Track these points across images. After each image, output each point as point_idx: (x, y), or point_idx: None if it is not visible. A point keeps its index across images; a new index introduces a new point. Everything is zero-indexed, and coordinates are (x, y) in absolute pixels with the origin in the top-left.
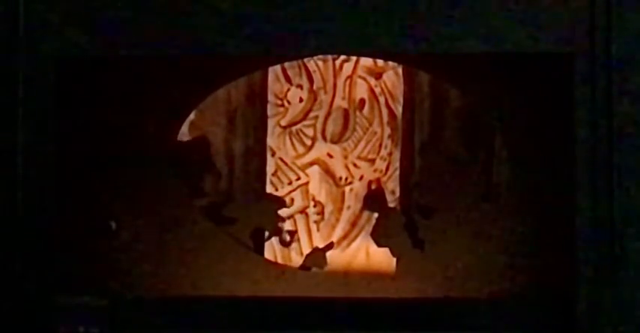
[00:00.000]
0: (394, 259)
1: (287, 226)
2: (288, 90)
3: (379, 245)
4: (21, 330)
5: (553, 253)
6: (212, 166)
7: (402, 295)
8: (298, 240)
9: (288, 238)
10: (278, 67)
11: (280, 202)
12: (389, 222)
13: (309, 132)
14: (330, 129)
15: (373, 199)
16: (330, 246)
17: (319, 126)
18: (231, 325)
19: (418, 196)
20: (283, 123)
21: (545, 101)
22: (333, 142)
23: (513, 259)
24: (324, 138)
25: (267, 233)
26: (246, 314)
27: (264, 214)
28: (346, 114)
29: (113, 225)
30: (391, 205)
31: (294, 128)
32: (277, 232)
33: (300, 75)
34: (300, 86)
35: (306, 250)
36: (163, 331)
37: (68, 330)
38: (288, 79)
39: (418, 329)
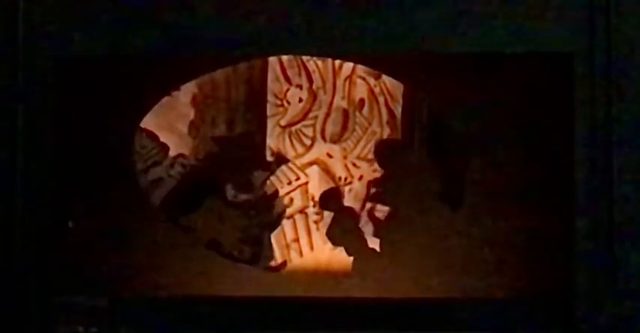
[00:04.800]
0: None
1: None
2: (288, 90)
3: (334, 244)
4: (20, 330)
5: (551, 253)
6: None
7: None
8: (297, 240)
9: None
10: (278, 67)
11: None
12: (345, 221)
13: (309, 132)
14: (329, 129)
15: (329, 197)
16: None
17: (319, 126)
18: (231, 325)
19: (379, 195)
20: (283, 123)
21: (545, 101)
22: (333, 142)
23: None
24: (324, 138)
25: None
26: (247, 314)
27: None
28: (346, 114)
29: (70, 224)
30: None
31: (293, 128)
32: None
33: (300, 75)
34: (299, 86)
35: (306, 251)
36: (163, 331)
37: (68, 330)
38: (287, 79)
39: (416, 329)
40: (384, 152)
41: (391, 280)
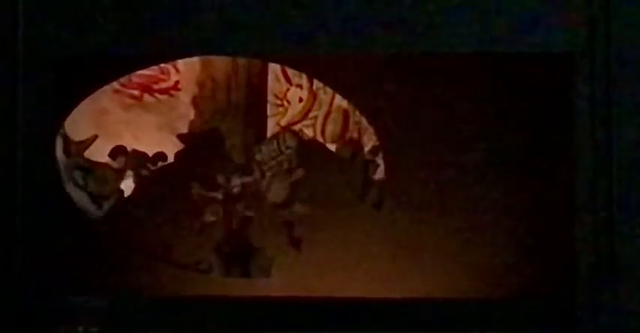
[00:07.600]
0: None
1: None
2: (288, 90)
3: (256, 244)
4: (21, 330)
5: (551, 254)
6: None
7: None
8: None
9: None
10: (278, 67)
11: None
12: (266, 221)
13: (309, 132)
14: (329, 129)
15: (251, 197)
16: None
17: (319, 126)
18: (231, 325)
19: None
20: (283, 123)
21: (545, 101)
22: (333, 141)
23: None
24: (324, 138)
25: None
26: (247, 314)
27: None
28: (346, 114)
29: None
30: None
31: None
32: None
33: (300, 75)
34: (299, 86)
35: None
36: (163, 331)
37: (68, 330)
38: (287, 79)
39: (418, 329)
40: (306, 153)
41: (312, 279)
